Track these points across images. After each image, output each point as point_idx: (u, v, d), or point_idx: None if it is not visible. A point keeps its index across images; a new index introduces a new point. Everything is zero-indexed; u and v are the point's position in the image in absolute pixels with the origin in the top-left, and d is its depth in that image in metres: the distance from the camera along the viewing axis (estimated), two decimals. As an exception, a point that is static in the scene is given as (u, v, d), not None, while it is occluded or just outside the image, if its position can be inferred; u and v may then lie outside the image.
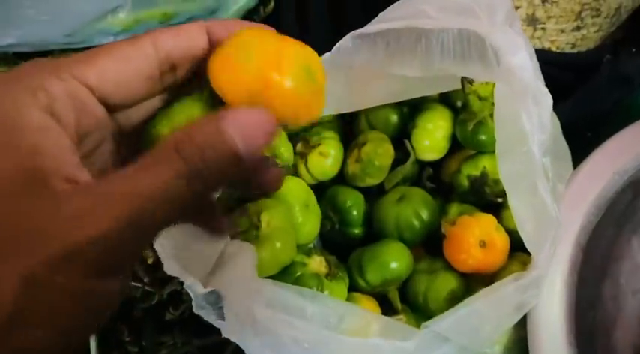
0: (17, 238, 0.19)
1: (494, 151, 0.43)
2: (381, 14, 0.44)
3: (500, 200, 0.51)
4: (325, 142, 0.55)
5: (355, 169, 0.54)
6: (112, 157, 0.26)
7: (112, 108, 0.24)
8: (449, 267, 0.50)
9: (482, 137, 0.50)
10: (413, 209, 0.51)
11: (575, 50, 0.60)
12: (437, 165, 0.57)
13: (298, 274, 0.48)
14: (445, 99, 0.56)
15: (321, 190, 0.56)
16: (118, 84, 0.24)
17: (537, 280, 0.41)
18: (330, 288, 0.48)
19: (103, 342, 0.54)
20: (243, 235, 0.45)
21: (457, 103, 0.55)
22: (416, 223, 0.51)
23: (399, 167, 0.55)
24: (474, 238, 0.48)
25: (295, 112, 0.24)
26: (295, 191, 0.52)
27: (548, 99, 0.40)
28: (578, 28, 0.59)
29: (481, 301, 0.40)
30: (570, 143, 0.45)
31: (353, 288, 0.51)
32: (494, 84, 0.42)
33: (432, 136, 0.54)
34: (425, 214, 0.51)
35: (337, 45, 0.45)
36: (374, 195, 0.56)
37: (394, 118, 0.56)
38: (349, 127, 0.60)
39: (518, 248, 0.47)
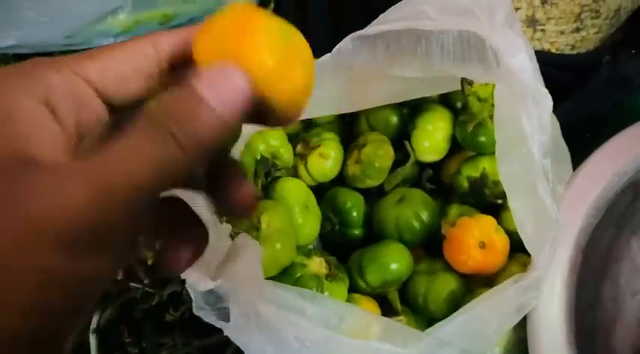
0: None
1: (494, 153, 0.43)
2: (381, 16, 0.44)
3: (500, 201, 0.51)
4: (325, 143, 0.55)
5: (355, 171, 0.54)
6: None
7: (111, 106, 0.24)
8: (449, 268, 0.50)
9: (482, 138, 0.50)
10: (413, 210, 0.51)
11: (574, 52, 0.60)
12: (437, 166, 0.57)
13: (298, 275, 0.48)
14: (445, 100, 0.56)
15: (321, 191, 0.56)
16: (118, 81, 0.24)
17: (537, 282, 0.41)
18: (330, 289, 0.48)
19: (103, 343, 0.54)
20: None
21: (457, 104, 0.55)
22: (416, 224, 0.51)
23: (399, 168, 0.55)
24: (474, 239, 0.48)
25: (270, 75, 0.22)
26: (295, 192, 0.52)
27: (548, 100, 0.40)
28: (577, 30, 0.59)
29: (482, 305, 0.40)
30: (570, 144, 0.45)
31: (353, 289, 0.51)
32: (494, 85, 0.42)
33: (432, 138, 0.54)
34: (425, 216, 0.51)
35: (337, 46, 0.45)
36: (374, 196, 0.56)
37: (394, 119, 0.56)
38: (349, 129, 0.60)
39: (518, 249, 0.47)
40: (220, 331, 0.40)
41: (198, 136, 0.21)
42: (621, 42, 0.65)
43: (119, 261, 0.22)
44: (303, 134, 0.57)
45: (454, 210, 0.53)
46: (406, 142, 0.55)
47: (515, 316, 0.41)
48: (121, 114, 0.25)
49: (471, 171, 0.51)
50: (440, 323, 0.40)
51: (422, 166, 0.57)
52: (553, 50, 0.59)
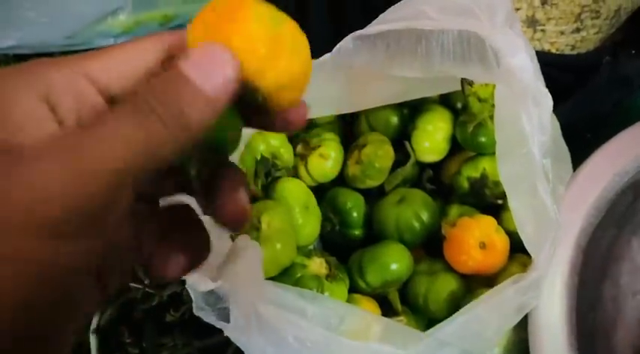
0: None
1: (494, 153, 0.43)
2: (382, 15, 0.44)
3: (500, 202, 0.51)
4: (325, 143, 0.55)
5: (355, 171, 0.54)
6: None
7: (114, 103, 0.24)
8: (449, 268, 0.50)
9: (482, 139, 0.50)
10: (413, 211, 0.51)
11: (574, 52, 0.60)
12: (437, 166, 0.57)
13: (298, 275, 0.48)
14: (445, 100, 0.56)
15: (321, 191, 0.56)
16: (120, 80, 0.23)
17: (537, 282, 0.41)
18: (330, 289, 0.48)
19: (103, 343, 0.54)
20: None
21: (457, 104, 0.55)
22: (416, 224, 0.51)
23: (399, 169, 0.55)
24: (474, 239, 0.48)
25: (260, 62, 0.22)
26: (295, 193, 0.52)
27: (548, 100, 0.40)
28: (577, 30, 0.59)
29: (482, 305, 0.40)
30: (570, 145, 0.45)
31: (353, 289, 0.51)
32: (494, 86, 0.42)
33: (432, 138, 0.54)
34: (425, 216, 0.51)
35: (337, 46, 0.45)
36: (374, 196, 0.56)
37: (394, 119, 0.56)
38: (349, 129, 0.60)
39: (518, 250, 0.47)
40: (220, 331, 0.40)
41: (184, 115, 0.20)
42: (621, 42, 0.65)
43: (108, 247, 0.21)
44: (303, 134, 0.57)
45: (454, 210, 0.53)
46: (406, 143, 0.55)
47: (515, 317, 0.41)
48: None
49: (471, 171, 0.51)
50: (440, 324, 0.40)
51: (422, 166, 0.57)
52: (553, 50, 0.59)
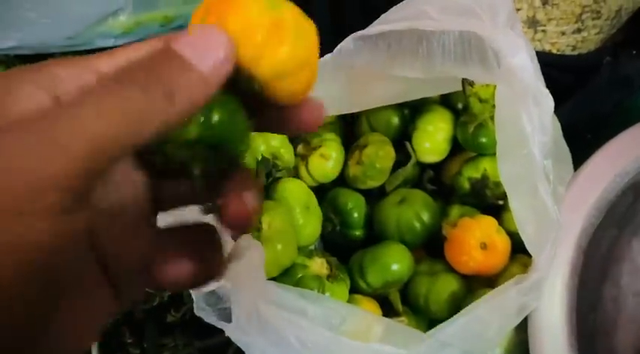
0: None
1: (495, 154, 0.43)
2: (383, 16, 0.44)
3: (501, 202, 0.51)
4: (326, 144, 0.55)
5: (356, 171, 0.54)
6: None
7: None
8: (450, 269, 0.50)
9: (483, 139, 0.50)
10: (414, 211, 0.51)
11: (575, 52, 0.60)
12: (438, 167, 0.57)
13: (299, 276, 0.48)
14: (446, 101, 0.56)
15: (322, 192, 0.56)
16: None
17: (538, 283, 0.41)
18: (331, 290, 0.48)
19: (104, 344, 0.54)
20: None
21: (458, 105, 0.55)
22: (417, 225, 0.51)
23: (400, 169, 0.55)
24: (475, 240, 0.48)
25: (252, 42, 0.21)
26: (296, 193, 0.52)
27: (549, 100, 0.40)
28: (578, 31, 0.59)
29: (483, 306, 0.40)
30: (571, 145, 0.45)
31: (354, 290, 0.51)
32: (494, 86, 0.42)
33: (433, 138, 0.54)
34: (426, 216, 0.51)
35: (339, 46, 0.45)
36: (375, 197, 0.56)
37: (395, 120, 0.56)
38: (350, 129, 0.60)
39: (519, 250, 0.47)
40: (221, 331, 0.40)
41: (168, 87, 0.19)
42: (622, 43, 0.65)
43: (101, 224, 0.21)
44: (304, 135, 0.57)
45: (455, 211, 0.53)
46: (407, 143, 0.55)
47: (516, 318, 0.41)
48: None
49: (472, 172, 0.51)
50: (441, 325, 0.40)
51: (423, 166, 0.57)
52: (554, 51, 0.59)
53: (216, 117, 0.21)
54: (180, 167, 0.22)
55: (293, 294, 0.40)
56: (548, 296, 0.46)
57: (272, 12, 0.21)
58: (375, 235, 0.54)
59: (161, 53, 0.20)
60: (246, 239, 0.38)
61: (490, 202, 0.51)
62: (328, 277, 0.49)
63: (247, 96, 0.22)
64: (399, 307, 0.51)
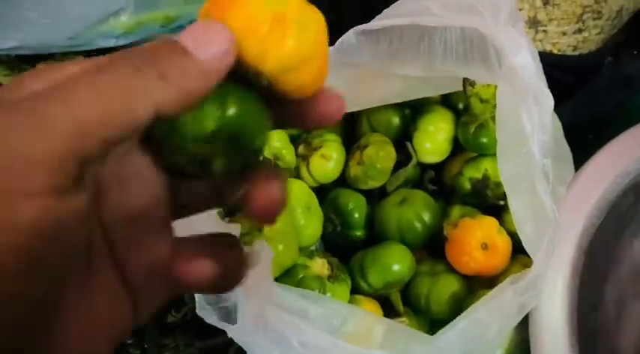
0: None
1: (495, 154, 0.43)
2: (385, 11, 0.44)
3: (502, 203, 0.51)
4: (327, 144, 0.55)
5: (357, 172, 0.54)
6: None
7: None
8: (451, 269, 0.50)
9: (484, 140, 0.50)
10: (415, 212, 0.51)
11: (576, 52, 0.60)
12: (439, 167, 0.57)
13: (300, 276, 0.48)
14: (447, 101, 0.56)
15: (322, 192, 0.56)
16: None
17: (535, 281, 0.41)
18: (332, 290, 0.48)
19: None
20: (245, 238, 0.45)
21: (459, 105, 0.55)
22: (418, 225, 0.51)
23: (401, 170, 0.55)
24: (476, 240, 0.48)
25: (256, 37, 0.21)
26: (297, 193, 0.52)
27: (549, 100, 0.40)
28: (579, 31, 0.59)
29: (482, 308, 0.40)
30: (572, 145, 0.45)
31: (355, 290, 0.51)
32: (495, 86, 0.42)
33: (434, 139, 0.54)
34: (427, 217, 0.51)
35: (340, 40, 0.44)
36: (376, 197, 0.56)
37: (396, 120, 0.56)
38: (351, 130, 0.60)
39: (520, 251, 0.47)
40: (222, 332, 0.40)
41: (164, 68, 0.19)
42: (623, 43, 0.65)
43: (103, 212, 0.20)
44: (305, 135, 0.57)
45: (456, 211, 0.53)
46: (408, 144, 0.55)
47: (515, 317, 0.41)
48: None
49: (473, 172, 0.51)
50: (442, 330, 0.40)
51: (424, 167, 0.57)
52: (555, 51, 0.59)
53: (232, 110, 0.21)
54: (201, 164, 0.22)
55: (294, 294, 0.40)
56: (548, 296, 0.46)
57: (275, 6, 0.21)
58: (375, 236, 0.54)
59: (161, 41, 0.20)
60: (259, 242, 0.38)
61: (491, 202, 0.51)
62: (329, 277, 0.49)
63: (259, 91, 0.22)
64: (400, 307, 0.51)
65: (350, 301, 0.50)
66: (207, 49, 0.20)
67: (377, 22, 0.43)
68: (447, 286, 0.49)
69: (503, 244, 0.48)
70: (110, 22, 0.56)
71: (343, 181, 0.57)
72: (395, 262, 0.49)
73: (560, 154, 0.44)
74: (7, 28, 0.54)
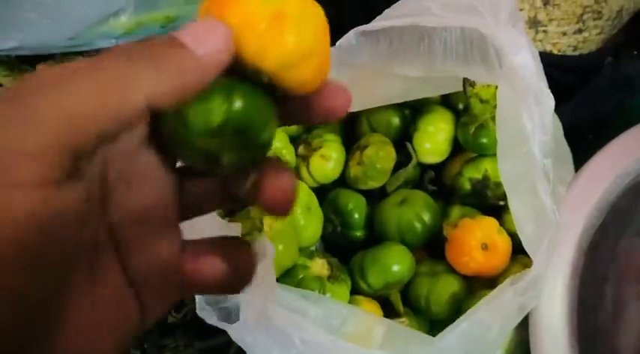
0: None
1: (495, 154, 0.43)
2: (386, 11, 0.44)
3: (502, 203, 0.51)
4: (327, 144, 0.55)
5: (357, 172, 0.54)
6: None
7: None
8: (451, 270, 0.50)
9: (484, 140, 0.50)
10: (415, 212, 0.51)
11: (576, 53, 0.60)
12: (438, 168, 0.57)
13: (300, 276, 0.48)
14: (446, 101, 0.56)
15: (322, 192, 0.56)
16: None
17: (535, 281, 0.41)
18: (332, 291, 0.48)
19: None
20: (245, 238, 0.45)
21: (459, 105, 0.55)
22: (418, 225, 0.51)
23: (401, 170, 0.55)
24: (476, 240, 0.48)
25: (255, 34, 0.21)
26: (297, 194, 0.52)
27: (550, 100, 0.40)
28: (579, 31, 0.59)
29: (483, 309, 0.40)
30: (572, 146, 0.45)
31: (355, 291, 0.51)
32: (496, 87, 0.42)
33: (434, 139, 0.54)
34: (427, 217, 0.51)
35: (340, 41, 0.44)
36: (376, 198, 0.56)
37: (396, 120, 0.56)
38: (350, 130, 0.60)
39: (520, 251, 0.47)
40: (222, 332, 0.40)
41: (157, 59, 0.19)
42: (623, 43, 0.64)
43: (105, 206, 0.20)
44: (305, 135, 0.57)
45: (456, 211, 0.53)
46: (408, 144, 0.55)
47: (516, 318, 0.41)
48: None
49: (473, 172, 0.51)
50: (443, 332, 0.40)
51: (424, 167, 0.57)
52: (555, 51, 0.59)
53: (238, 104, 0.21)
54: (209, 160, 0.22)
55: (294, 295, 0.40)
56: (548, 297, 0.46)
57: (274, 3, 0.21)
58: (375, 236, 0.54)
59: (160, 37, 0.20)
60: (262, 241, 0.38)
61: (491, 202, 0.51)
62: (329, 278, 0.49)
63: (264, 87, 0.22)
64: (400, 308, 0.51)
65: (350, 302, 0.50)
66: (205, 44, 0.20)
67: (377, 23, 0.43)
68: (447, 287, 0.49)
69: (503, 244, 0.48)
70: (110, 23, 0.56)
71: (343, 181, 0.57)
72: (395, 263, 0.49)
73: (560, 155, 0.44)
74: (7, 28, 0.54)
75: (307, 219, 0.52)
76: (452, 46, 0.41)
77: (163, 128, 0.21)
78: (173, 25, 0.59)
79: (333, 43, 0.44)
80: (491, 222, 0.49)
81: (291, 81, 0.22)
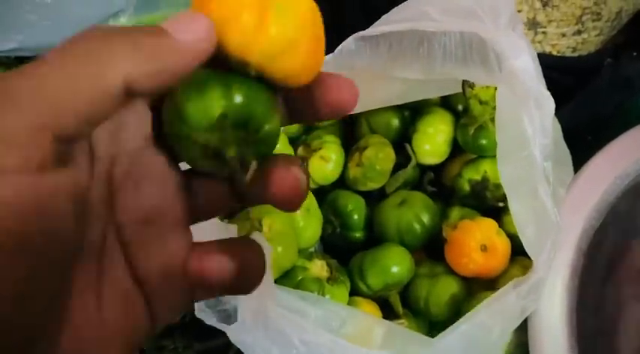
0: None
1: (495, 156, 0.43)
2: (384, 16, 0.44)
3: (501, 204, 0.51)
4: (326, 146, 0.55)
5: (356, 173, 0.54)
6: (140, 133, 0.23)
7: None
8: (450, 271, 0.50)
9: (483, 141, 0.50)
10: (414, 213, 0.51)
11: (576, 54, 0.60)
12: (438, 169, 0.57)
13: (300, 278, 0.48)
14: (446, 103, 0.56)
15: (322, 194, 0.56)
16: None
17: (537, 285, 0.41)
18: (331, 292, 0.48)
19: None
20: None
21: (458, 107, 0.55)
22: (417, 227, 0.51)
23: (400, 171, 0.55)
24: (475, 242, 0.48)
25: (239, 28, 0.21)
26: (296, 195, 0.52)
27: (550, 103, 0.40)
28: (579, 32, 0.59)
29: (485, 311, 0.40)
30: (571, 147, 0.45)
31: (354, 292, 0.51)
32: (495, 88, 0.42)
33: (433, 140, 0.54)
34: (426, 218, 0.51)
35: (340, 47, 0.44)
36: (375, 199, 0.56)
37: (395, 121, 0.56)
38: (350, 131, 0.60)
39: (519, 252, 0.47)
40: (222, 333, 0.40)
41: (136, 40, 0.19)
42: (623, 44, 0.65)
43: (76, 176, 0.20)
44: (304, 137, 0.57)
45: (455, 213, 0.53)
46: (407, 145, 0.55)
47: (516, 320, 0.41)
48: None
49: (473, 174, 0.51)
50: (443, 332, 0.40)
51: (423, 168, 0.57)
52: (554, 53, 0.59)
53: (237, 95, 0.21)
54: (214, 155, 0.22)
55: (293, 296, 0.40)
56: (548, 298, 0.46)
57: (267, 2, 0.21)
58: (375, 237, 0.54)
59: (143, 27, 0.20)
60: (258, 239, 0.38)
61: (490, 204, 0.51)
62: (328, 279, 0.49)
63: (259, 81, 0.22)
64: (399, 309, 0.51)
65: (349, 303, 0.50)
66: (186, 32, 0.20)
67: (376, 28, 0.43)
68: (446, 288, 0.49)
69: (503, 245, 0.48)
70: (110, 24, 0.56)
71: (342, 182, 0.57)
72: (394, 264, 0.49)
73: (559, 156, 0.44)
74: (7, 30, 0.54)
75: (306, 220, 0.52)
76: (451, 50, 0.41)
77: (165, 127, 0.21)
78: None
79: (333, 48, 0.44)
80: (490, 223, 0.49)
81: (278, 72, 0.22)
